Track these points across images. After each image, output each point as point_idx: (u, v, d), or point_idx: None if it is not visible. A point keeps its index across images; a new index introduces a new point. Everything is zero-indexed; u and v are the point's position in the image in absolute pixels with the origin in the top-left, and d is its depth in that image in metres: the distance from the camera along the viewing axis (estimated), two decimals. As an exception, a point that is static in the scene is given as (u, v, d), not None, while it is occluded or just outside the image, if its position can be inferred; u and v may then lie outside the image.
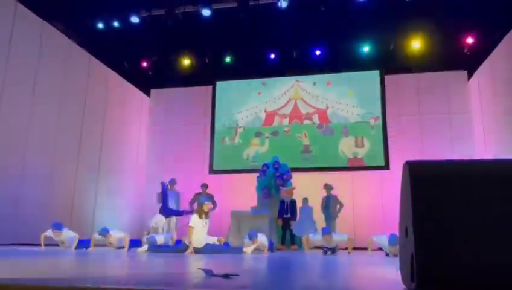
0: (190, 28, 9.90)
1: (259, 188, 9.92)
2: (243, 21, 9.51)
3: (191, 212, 8.47)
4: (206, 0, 9.60)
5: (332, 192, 9.44)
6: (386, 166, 10.83)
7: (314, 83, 11.88)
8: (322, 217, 9.30)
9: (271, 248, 7.48)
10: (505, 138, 8.65)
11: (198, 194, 9.57)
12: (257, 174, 10.18)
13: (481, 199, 1.58)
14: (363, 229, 9.82)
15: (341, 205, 9.33)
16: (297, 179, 10.08)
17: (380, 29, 10.04)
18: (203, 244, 6.41)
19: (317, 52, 11.05)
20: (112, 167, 10.71)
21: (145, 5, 9.81)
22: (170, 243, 7.58)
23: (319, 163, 11.20)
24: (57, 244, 7.22)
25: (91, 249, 7.29)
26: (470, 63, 10.35)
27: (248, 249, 6.45)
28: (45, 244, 7.00)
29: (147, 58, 11.61)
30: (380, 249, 7.19)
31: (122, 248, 7.25)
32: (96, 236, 7.18)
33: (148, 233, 7.81)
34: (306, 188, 9.83)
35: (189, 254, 6.13)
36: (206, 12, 9.63)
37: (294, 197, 9.42)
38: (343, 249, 7.58)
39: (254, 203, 9.86)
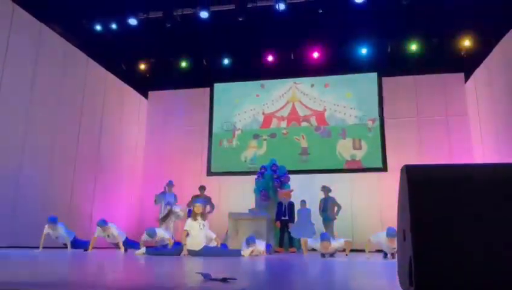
0: (188, 30, 9.90)
1: (257, 190, 9.92)
2: (241, 23, 9.52)
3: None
4: (204, 3, 9.60)
5: (330, 194, 9.45)
6: (384, 168, 10.86)
7: (312, 85, 11.90)
8: (320, 219, 9.31)
9: (269, 250, 7.48)
10: (502, 140, 8.68)
11: (196, 196, 9.56)
12: (255, 177, 10.18)
13: (480, 203, 1.58)
14: (361, 231, 9.82)
15: (339, 207, 9.33)
16: (295, 181, 10.08)
17: (378, 32, 10.07)
18: (201, 247, 6.40)
19: (315, 55, 11.06)
20: (109, 168, 10.69)
21: (143, 7, 9.81)
22: (168, 242, 7.57)
23: (317, 165, 11.21)
24: (56, 246, 7.22)
25: (89, 250, 7.28)
26: (467, 65, 10.39)
27: (246, 252, 6.44)
28: (44, 247, 6.99)
29: (145, 60, 11.60)
30: (378, 251, 7.20)
31: (117, 246, 7.28)
32: (97, 230, 7.18)
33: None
34: (304, 190, 9.83)
35: (185, 255, 6.16)
36: (204, 14, 9.64)
37: (292, 199, 9.42)
38: (342, 251, 7.58)
39: (252, 205, 9.86)
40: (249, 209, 9.53)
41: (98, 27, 10.09)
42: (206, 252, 6.35)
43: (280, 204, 9.32)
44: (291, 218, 9.20)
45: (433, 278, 1.50)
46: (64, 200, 9.05)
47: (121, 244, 7.28)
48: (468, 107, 10.75)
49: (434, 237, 1.53)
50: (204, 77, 11.92)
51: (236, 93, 12.30)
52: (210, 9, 9.65)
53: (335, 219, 9.27)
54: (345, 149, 11.29)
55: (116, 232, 7.34)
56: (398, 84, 11.35)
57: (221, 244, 7.42)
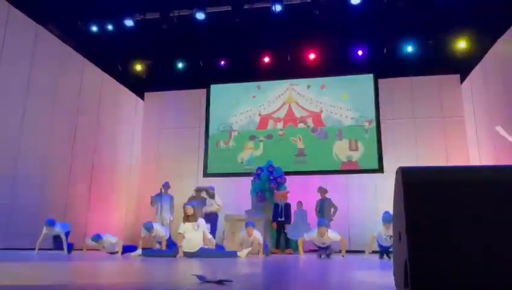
0: (184, 31, 9.88)
1: (254, 191, 9.92)
2: (238, 24, 9.51)
3: None
4: (201, 4, 9.59)
5: (327, 195, 9.45)
6: (380, 169, 10.87)
7: (309, 87, 11.91)
8: (317, 220, 9.30)
9: (266, 251, 7.47)
10: (498, 141, 8.72)
11: (193, 198, 9.54)
12: (251, 178, 10.18)
13: (474, 205, 1.59)
14: (357, 232, 9.84)
15: (335, 208, 9.34)
16: (291, 182, 10.09)
17: (374, 33, 10.09)
18: (196, 249, 6.39)
19: (312, 56, 11.07)
20: (105, 170, 10.66)
21: (140, 9, 9.78)
22: (162, 240, 7.56)
23: (314, 166, 11.21)
24: (52, 249, 7.19)
25: (83, 251, 7.26)
26: (463, 66, 10.44)
27: (242, 253, 6.44)
28: (41, 249, 6.97)
29: (141, 61, 11.56)
30: (374, 252, 7.20)
31: (116, 253, 7.23)
32: (89, 242, 7.18)
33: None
34: (300, 192, 9.83)
35: (180, 257, 6.16)
36: (200, 15, 9.62)
37: (288, 200, 9.42)
38: (338, 252, 7.59)
39: (248, 206, 9.86)
40: (246, 211, 9.54)
41: (94, 28, 10.05)
42: (202, 253, 6.34)
43: (276, 205, 9.32)
44: (288, 219, 9.20)
45: (428, 280, 1.50)
46: (59, 202, 9.01)
47: (120, 247, 7.24)
48: (464, 108, 10.80)
49: (429, 239, 1.53)
50: (200, 78, 11.91)
51: (232, 94, 12.30)
52: (206, 10, 9.63)
53: (331, 220, 9.27)
54: (341, 150, 11.31)
55: (114, 240, 7.29)
56: (394, 86, 11.39)
57: (217, 245, 7.41)
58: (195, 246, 6.40)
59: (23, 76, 8.10)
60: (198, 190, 9.68)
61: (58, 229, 7.13)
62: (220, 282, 2.31)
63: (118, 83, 11.45)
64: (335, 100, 11.66)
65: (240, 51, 11.03)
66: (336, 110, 11.60)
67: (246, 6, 9.44)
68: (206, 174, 11.77)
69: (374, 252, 7.36)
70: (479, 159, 9.74)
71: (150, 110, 12.64)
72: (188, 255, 6.29)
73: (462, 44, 10.01)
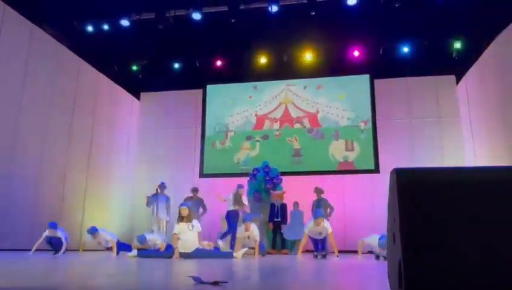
0: (181, 32, 9.87)
1: (250, 192, 9.92)
2: (234, 25, 9.51)
3: None
4: (197, 4, 9.58)
5: (323, 195, 9.46)
6: (376, 169, 10.90)
7: (305, 87, 11.93)
8: (313, 220, 9.30)
9: (262, 252, 7.48)
10: (493, 141, 8.77)
11: (189, 198, 9.53)
12: (248, 178, 10.18)
13: (469, 206, 1.59)
14: (353, 233, 9.84)
15: (331, 209, 9.35)
16: (287, 182, 10.09)
17: (370, 34, 10.12)
18: (192, 249, 6.38)
19: (308, 56, 11.09)
20: (101, 170, 10.63)
21: (136, 9, 9.76)
22: (159, 245, 7.54)
23: (310, 167, 11.23)
24: (48, 249, 7.16)
25: (80, 253, 7.23)
26: (458, 67, 10.49)
27: (238, 253, 6.43)
28: (38, 249, 6.95)
29: (137, 62, 11.54)
30: (370, 252, 7.22)
31: (111, 248, 7.25)
32: (87, 236, 7.17)
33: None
34: (297, 192, 9.84)
35: (176, 259, 6.14)
36: (196, 16, 9.61)
37: (284, 200, 9.43)
38: (332, 252, 7.60)
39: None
40: (242, 211, 9.52)
41: (90, 28, 10.02)
42: (198, 254, 6.33)
43: (273, 206, 9.32)
44: (284, 219, 9.21)
45: (422, 281, 1.50)
46: (55, 202, 8.97)
47: (114, 246, 7.23)
48: (459, 109, 10.84)
49: (423, 240, 1.53)
50: (196, 78, 11.90)
51: (229, 94, 12.29)
52: (203, 10, 9.63)
53: (328, 220, 9.27)
54: (337, 151, 11.32)
55: (109, 236, 7.29)
56: (391, 86, 11.42)
57: (214, 247, 7.40)
58: (191, 246, 6.39)
59: (18, 76, 8.06)
60: (195, 190, 9.68)
61: (59, 233, 7.12)
62: (215, 283, 2.31)
63: (113, 83, 11.42)
64: (331, 100, 11.68)
65: (236, 51, 11.03)
66: (332, 111, 11.62)
67: (242, 7, 9.44)
68: (202, 175, 11.76)
69: (369, 252, 7.39)
70: (475, 160, 9.79)
71: (146, 110, 12.61)
72: (184, 255, 6.28)
73: (457, 45, 10.05)
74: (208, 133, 12.09)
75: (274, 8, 9.29)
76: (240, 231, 7.04)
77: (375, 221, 9.97)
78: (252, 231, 6.95)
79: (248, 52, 11.10)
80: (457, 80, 10.95)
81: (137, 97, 12.68)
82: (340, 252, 7.49)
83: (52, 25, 9.17)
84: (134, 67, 11.55)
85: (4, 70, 7.66)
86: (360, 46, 10.74)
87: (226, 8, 9.53)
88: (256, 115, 12.00)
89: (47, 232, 7.06)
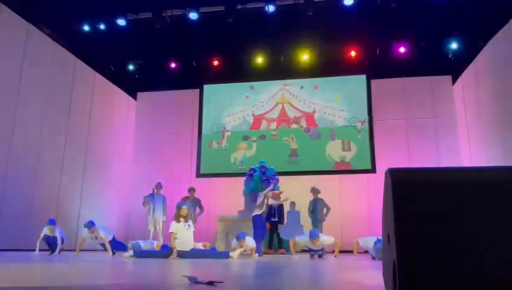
0: (177, 31, 9.86)
1: (247, 192, 9.90)
2: (231, 25, 9.51)
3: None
4: (194, 4, 9.58)
5: (320, 195, 9.46)
6: (373, 169, 10.92)
7: (302, 87, 11.94)
8: (309, 220, 9.32)
9: (258, 252, 7.46)
10: (488, 141, 8.80)
11: (186, 198, 9.51)
12: (244, 178, 10.17)
13: (464, 207, 1.59)
14: (350, 233, 9.86)
15: (328, 209, 9.36)
16: (284, 182, 10.09)
17: (367, 34, 10.14)
18: (189, 248, 6.38)
19: (305, 57, 11.10)
20: (97, 170, 10.60)
21: (132, 8, 9.74)
22: (155, 247, 7.52)
23: (306, 167, 11.24)
24: (45, 249, 7.15)
25: (76, 252, 7.21)
26: (455, 68, 10.52)
27: (235, 253, 6.42)
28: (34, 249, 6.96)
29: (134, 61, 11.52)
30: (367, 251, 7.23)
31: (104, 246, 7.25)
32: (84, 233, 7.16)
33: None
34: (293, 192, 9.84)
35: (173, 259, 6.12)
36: (193, 15, 9.61)
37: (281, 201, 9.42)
38: (331, 252, 7.60)
39: (241, 207, 9.84)
40: (238, 211, 9.53)
41: (86, 27, 10.00)
42: (194, 253, 6.32)
43: (270, 206, 9.30)
44: (281, 219, 9.20)
45: (416, 281, 1.50)
46: (51, 202, 8.94)
47: (107, 245, 7.21)
48: (455, 109, 10.88)
49: (417, 240, 1.54)
50: (193, 78, 11.89)
51: (225, 94, 12.29)
52: (199, 10, 9.62)
53: (324, 220, 9.29)
54: (334, 151, 11.34)
55: (104, 234, 7.28)
56: (387, 86, 11.45)
57: (211, 247, 7.38)
58: (188, 245, 6.39)
59: (14, 75, 8.03)
60: (192, 190, 9.67)
61: (57, 232, 7.13)
62: (210, 283, 2.31)
63: (110, 82, 11.39)
64: (328, 101, 11.70)
65: (233, 51, 11.03)
66: (328, 111, 11.63)
67: (239, 7, 9.45)
68: (199, 175, 11.75)
69: (366, 252, 7.39)
70: (470, 160, 9.82)
71: (143, 110, 12.59)
72: (180, 254, 6.27)
73: (453, 45, 10.08)
74: (204, 133, 12.08)
75: (271, 8, 9.31)
76: (234, 246, 6.94)
77: (371, 221, 10.01)
78: (247, 245, 6.88)
79: (245, 52, 11.10)
80: (454, 80, 10.99)
81: (134, 97, 12.65)
82: (339, 251, 7.48)
83: (48, 25, 9.14)
84: (131, 67, 11.53)
85: (0, 70, 7.62)
86: (356, 46, 10.76)
87: (222, 8, 9.53)
88: (253, 115, 12.00)
89: (46, 230, 7.08)
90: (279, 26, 9.66)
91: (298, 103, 11.87)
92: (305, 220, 9.22)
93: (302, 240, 7.05)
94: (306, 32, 10.03)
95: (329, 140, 11.43)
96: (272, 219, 9.16)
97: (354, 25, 9.60)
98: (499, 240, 1.55)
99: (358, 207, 10.54)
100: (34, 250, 7.10)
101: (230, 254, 6.43)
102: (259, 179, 9.86)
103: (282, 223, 9.18)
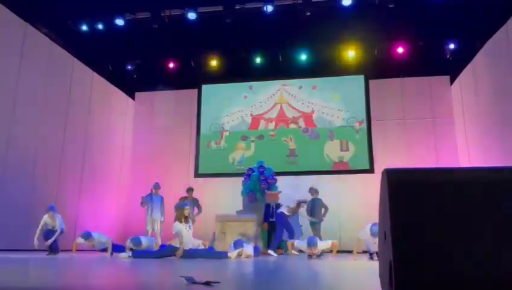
0: (176, 31, 9.85)
1: (245, 192, 9.90)
2: (229, 25, 9.50)
3: None
4: (192, 4, 9.57)
5: (318, 196, 9.46)
6: (371, 169, 10.93)
7: (300, 87, 11.94)
8: (308, 221, 9.31)
9: (257, 253, 7.46)
10: (487, 142, 8.81)
11: (184, 198, 9.50)
12: (242, 178, 10.16)
13: (460, 206, 1.59)
14: (348, 233, 9.85)
15: (326, 209, 9.35)
16: (282, 182, 10.09)
17: (365, 35, 10.14)
18: (187, 248, 6.38)
19: (303, 57, 11.10)
20: (96, 169, 10.58)
21: (130, 8, 9.73)
22: (154, 246, 7.52)
23: (305, 167, 11.24)
24: (43, 249, 7.14)
25: (73, 253, 7.20)
26: (453, 68, 10.53)
27: (233, 254, 6.42)
28: (33, 250, 6.95)
29: (132, 61, 11.50)
30: (365, 251, 7.23)
31: (106, 249, 7.21)
32: (79, 240, 7.16)
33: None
34: (292, 192, 9.83)
35: (179, 257, 6.13)
36: (192, 15, 9.60)
37: (280, 201, 9.41)
38: (329, 251, 7.60)
39: (239, 207, 9.84)
40: (237, 211, 9.52)
41: (84, 27, 9.98)
42: (193, 253, 6.32)
43: (268, 206, 9.31)
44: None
45: (412, 280, 1.50)
46: (50, 201, 8.90)
47: (109, 247, 7.20)
48: (453, 109, 10.89)
49: (413, 240, 1.53)
50: (192, 78, 11.87)
51: (224, 94, 12.28)
52: (198, 10, 9.61)
53: (322, 220, 9.28)
54: (332, 151, 11.34)
55: (104, 239, 7.26)
56: (385, 87, 11.45)
57: (209, 247, 7.38)
58: (187, 246, 6.40)
59: (11, 75, 8.00)
60: (190, 190, 9.66)
61: (58, 221, 7.13)
62: (207, 283, 2.30)
63: (108, 82, 11.37)
64: (326, 101, 11.70)
65: (232, 51, 11.02)
66: (327, 111, 11.64)
67: (237, 7, 9.44)
68: (197, 175, 11.74)
69: (364, 252, 7.39)
70: (469, 160, 9.84)
71: (141, 110, 12.57)
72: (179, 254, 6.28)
73: (451, 45, 10.09)
74: (202, 133, 12.07)
75: (269, 8, 9.30)
76: (232, 250, 6.93)
77: (370, 221, 9.98)
78: (245, 252, 6.87)
79: (243, 52, 11.09)
80: (452, 81, 11.00)
81: (132, 97, 12.63)
82: (336, 251, 7.49)
83: (46, 24, 9.12)
84: (129, 67, 11.51)
85: (-3, 69, 7.61)
86: (355, 46, 10.76)
87: (221, 8, 9.52)
88: (251, 115, 12.00)
89: (46, 218, 7.09)
90: (277, 26, 9.66)
91: (297, 103, 11.87)
92: (304, 221, 9.21)
93: (301, 245, 7.06)
94: (304, 33, 10.02)
95: (328, 140, 11.43)
96: (270, 219, 9.16)
97: (352, 25, 9.60)
98: (496, 240, 1.55)
99: (356, 207, 10.52)
100: (34, 250, 7.09)
101: (229, 254, 6.43)
102: (257, 179, 9.86)
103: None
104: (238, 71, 11.55)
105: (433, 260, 1.53)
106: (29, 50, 8.40)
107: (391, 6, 8.78)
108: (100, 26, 9.96)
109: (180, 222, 6.47)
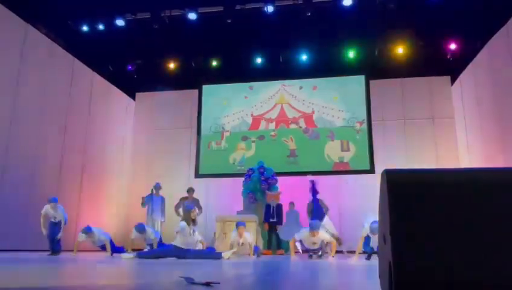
0: (176, 32, 9.85)
1: (245, 192, 9.90)
2: (229, 25, 9.50)
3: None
4: (193, 4, 9.57)
5: (318, 196, 9.46)
6: (371, 170, 10.92)
7: (301, 88, 11.93)
8: (308, 221, 9.30)
9: (256, 252, 7.46)
10: (487, 142, 8.80)
11: (185, 198, 9.50)
12: (243, 179, 10.16)
13: (460, 208, 1.59)
14: (349, 233, 9.84)
15: (326, 209, 9.35)
16: (283, 183, 10.09)
17: (365, 35, 10.14)
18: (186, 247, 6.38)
19: (304, 57, 11.10)
20: (95, 170, 10.58)
21: (131, 8, 9.73)
22: (153, 240, 7.54)
23: (305, 167, 11.23)
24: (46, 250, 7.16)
25: (74, 253, 7.21)
26: (453, 68, 10.52)
27: (226, 254, 6.40)
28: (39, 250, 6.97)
29: (132, 62, 11.51)
30: (365, 252, 7.22)
31: (104, 247, 7.24)
32: (80, 236, 7.17)
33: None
34: (292, 192, 9.84)
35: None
36: (192, 16, 9.61)
37: (280, 201, 9.43)
38: (327, 252, 7.59)
39: (240, 207, 9.85)
40: (237, 212, 9.53)
41: (85, 28, 9.99)
42: (185, 253, 6.31)
43: (268, 206, 9.32)
44: (280, 220, 9.20)
45: (412, 283, 1.50)
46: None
47: (108, 245, 7.23)
48: (454, 109, 10.88)
49: (413, 242, 1.53)
50: (192, 78, 11.87)
51: (224, 95, 12.28)
52: (198, 10, 9.62)
53: (323, 220, 9.27)
54: (333, 151, 11.34)
55: (103, 236, 7.30)
56: (386, 87, 11.44)
57: (208, 247, 7.37)
58: (186, 245, 6.40)
59: (12, 76, 8.00)
60: (191, 191, 9.65)
61: (60, 212, 7.18)
62: (207, 284, 2.30)
63: (108, 83, 11.37)
64: (327, 101, 11.69)
65: (232, 52, 11.03)
66: (327, 111, 11.63)
67: (237, 7, 9.44)
68: (197, 175, 11.74)
69: (364, 252, 7.39)
70: (469, 161, 9.82)
71: (141, 111, 12.57)
72: (178, 254, 6.27)
73: (452, 45, 10.08)
74: (203, 133, 12.07)
75: (270, 9, 9.31)
76: (233, 235, 6.97)
77: (366, 224, 9.97)
78: (245, 237, 6.89)
79: (244, 52, 11.09)
80: (452, 81, 10.99)
81: (133, 97, 12.64)
82: (335, 252, 7.48)
83: (46, 25, 9.12)
84: (130, 67, 11.51)
85: (-2, 70, 7.61)
86: (355, 46, 10.76)
87: (221, 8, 9.52)
88: (252, 115, 11.99)
89: (48, 208, 7.11)
90: (278, 27, 9.66)
91: (297, 103, 11.86)
92: (304, 221, 9.20)
93: (301, 234, 7.01)
94: (305, 33, 10.03)
95: (328, 140, 11.43)
96: (271, 219, 9.17)
97: (352, 26, 9.60)
98: (496, 241, 1.54)
99: (356, 207, 10.50)
100: (34, 250, 7.10)
101: (223, 254, 6.40)
102: (258, 179, 9.86)
103: (281, 224, 9.18)
104: (238, 71, 11.57)
105: (433, 261, 1.52)
106: (29, 50, 8.41)
107: (392, 6, 8.78)
108: (101, 27, 9.97)
109: (188, 224, 6.48)
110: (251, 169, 10.13)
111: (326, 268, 4.58)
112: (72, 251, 7.62)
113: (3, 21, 7.78)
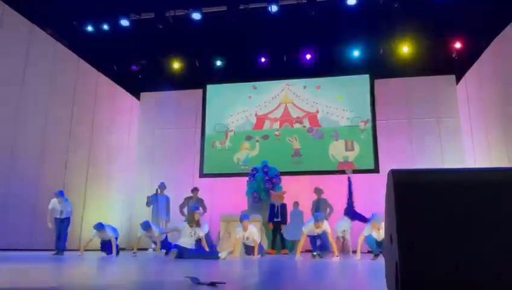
0: (180, 32, 9.87)
1: (249, 192, 9.90)
2: (233, 25, 9.50)
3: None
4: (197, 4, 9.58)
5: (323, 195, 9.45)
6: (376, 169, 10.89)
7: (305, 87, 11.92)
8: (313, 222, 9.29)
9: (261, 252, 7.46)
10: (492, 142, 8.75)
11: (189, 198, 9.52)
12: (247, 178, 10.16)
13: (466, 207, 1.58)
14: (353, 233, 9.82)
15: (331, 209, 9.34)
16: (287, 182, 10.08)
17: (370, 34, 10.11)
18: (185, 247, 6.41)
19: (308, 56, 11.08)
20: (101, 170, 10.62)
21: (135, 8, 9.76)
22: (156, 237, 7.57)
23: (310, 167, 11.22)
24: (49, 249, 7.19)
25: (80, 252, 7.24)
26: (458, 67, 10.47)
27: (223, 254, 6.41)
28: (38, 249, 6.97)
29: (137, 62, 11.53)
30: (370, 251, 7.21)
31: (104, 247, 7.27)
32: (93, 233, 7.22)
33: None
34: (296, 192, 9.83)
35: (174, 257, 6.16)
36: (196, 15, 9.62)
37: (284, 201, 9.41)
38: (332, 252, 7.58)
39: (244, 207, 9.84)
40: (242, 211, 9.51)
41: (90, 28, 10.02)
42: (183, 253, 6.32)
43: (272, 206, 9.30)
44: (284, 220, 9.19)
45: (418, 282, 1.50)
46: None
47: (113, 241, 7.27)
48: (459, 108, 10.83)
49: (420, 241, 1.53)
50: (196, 78, 11.88)
51: (228, 94, 12.28)
52: (202, 10, 9.63)
53: (327, 220, 9.26)
54: (337, 151, 11.31)
55: (111, 233, 7.37)
56: (390, 86, 11.40)
57: (212, 247, 7.38)
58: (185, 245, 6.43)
59: (17, 76, 8.05)
60: (195, 190, 9.67)
61: (67, 205, 7.29)
62: (212, 284, 2.30)
63: (113, 83, 11.41)
64: (331, 101, 11.67)
65: (236, 51, 11.02)
66: (332, 111, 11.61)
67: (241, 7, 9.44)
68: (202, 175, 11.75)
69: (369, 252, 7.38)
70: (474, 160, 9.77)
71: (146, 111, 12.60)
72: (177, 254, 6.30)
73: (457, 44, 10.04)
74: (207, 133, 12.08)
75: (274, 8, 9.30)
76: (238, 231, 7.01)
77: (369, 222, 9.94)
78: (250, 231, 6.92)
79: (248, 52, 11.09)
80: (457, 80, 10.93)
81: (137, 97, 12.67)
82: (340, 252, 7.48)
83: (51, 25, 9.17)
84: (134, 67, 11.54)
85: (3, 70, 7.65)
86: (359, 46, 10.73)
87: (225, 8, 9.52)
88: (256, 114, 11.99)
89: (55, 202, 7.19)
90: (282, 26, 9.65)
91: (301, 102, 11.85)
92: (308, 220, 9.18)
93: (308, 227, 7.07)
94: (309, 32, 10.01)
95: (333, 140, 11.41)
96: (275, 219, 9.15)
97: (357, 25, 9.57)
98: (503, 241, 1.53)
99: (361, 207, 10.48)
100: (39, 249, 7.14)
101: (219, 254, 6.41)
102: (262, 179, 9.85)
103: (285, 224, 9.16)
104: (242, 71, 11.56)
105: (439, 261, 1.52)
106: (34, 50, 8.45)
107: (396, 5, 8.75)
108: (105, 27, 10.00)
109: (191, 226, 6.50)
110: (255, 169, 10.13)
111: (329, 268, 4.57)
112: (78, 249, 7.66)
113: (10, 21, 7.83)
